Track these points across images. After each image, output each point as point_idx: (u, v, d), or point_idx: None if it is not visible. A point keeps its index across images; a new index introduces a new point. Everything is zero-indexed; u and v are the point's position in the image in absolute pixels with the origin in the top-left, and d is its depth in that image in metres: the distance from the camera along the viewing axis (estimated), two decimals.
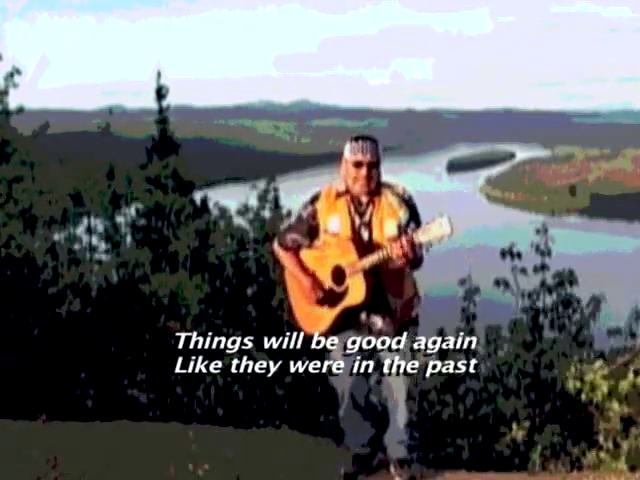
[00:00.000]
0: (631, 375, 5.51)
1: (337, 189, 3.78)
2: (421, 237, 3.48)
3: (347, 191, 3.74)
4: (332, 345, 3.90)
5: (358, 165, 3.66)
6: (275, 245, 3.99)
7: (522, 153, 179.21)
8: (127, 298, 7.97)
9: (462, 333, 7.46)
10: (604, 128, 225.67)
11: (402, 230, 3.66)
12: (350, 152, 3.69)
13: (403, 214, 3.70)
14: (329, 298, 3.77)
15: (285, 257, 3.91)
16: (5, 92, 8.29)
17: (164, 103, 10.30)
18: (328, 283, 3.78)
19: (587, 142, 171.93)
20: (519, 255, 7.14)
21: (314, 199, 3.82)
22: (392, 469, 3.95)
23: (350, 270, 3.66)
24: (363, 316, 3.77)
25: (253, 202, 9.88)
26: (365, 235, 3.72)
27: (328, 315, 3.78)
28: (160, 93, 10.28)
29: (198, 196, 10.58)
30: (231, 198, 11.61)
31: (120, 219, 10.04)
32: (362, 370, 3.88)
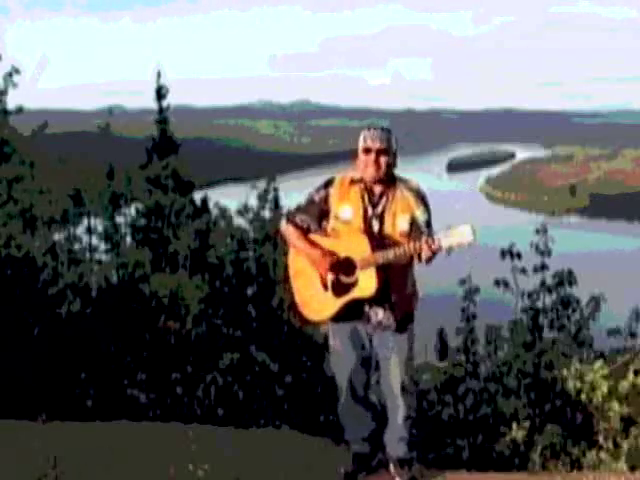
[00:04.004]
0: (631, 375, 5.51)
1: (352, 176, 3.79)
2: (443, 242, 3.51)
3: (361, 179, 3.76)
4: (334, 336, 3.90)
5: (367, 151, 3.71)
6: (283, 223, 3.93)
7: (522, 153, 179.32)
8: (127, 298, 7.97)
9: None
10: (604, 128, 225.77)
11: (418, 228, 3.68)
12: (362, 140, 3.76)
13: (421, 214, 3.72)
14: (335, 288, 3.76)
15: (294, 234, 3.86)
16: (4, 92, 8.29)
17: (164, 103, 10.32)
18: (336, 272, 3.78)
19: (587, 142, 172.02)
20: (519, 255, 7.15)
21: (328, 183, 3.82)
22: (392, 469, 3.95)
23: (362, 263, 3.66)
24: (365, 307, 3.78)
25: (253, 202, 9.89)
26: (376, 227, 3.72)
27: (332, 303, 3.77)
28: (160, 93, 10.29)
29: (198, 196, 10.59)
30: (231, 198, 11.62)
31: (120, 219, 10.05)
32: (361, 360, 3.88)
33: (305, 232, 3.86)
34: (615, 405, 5.37)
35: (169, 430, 4.76)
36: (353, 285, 3.71)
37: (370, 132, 3.74)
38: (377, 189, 3.75)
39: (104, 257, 9.64)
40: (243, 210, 9.78)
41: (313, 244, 3.83)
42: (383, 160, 3.70)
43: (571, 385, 5.71)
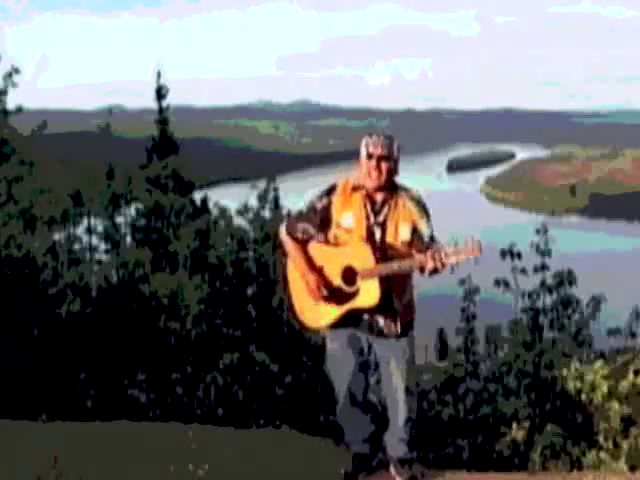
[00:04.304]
0: (631, 375, 5.52)
1: (354, 182, 3.78)
2: (450, 259, 3.49)
3: (363, 185, 3.75)
4: (332, 341, 3.90)
5: (369, 157, 3.69)
6: (283, 232, 3.88)
7: (522, 153, 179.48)
8: (127, 298, 7.97)
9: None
10: (604, 128, 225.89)
11: (421, 239, 3.66)
12: (363, 146, 3.74)
13: (426, 227, 3.69)
14: (335, 296, 3.75)
15: (293, 248, 3.83)
16: (4, 92, 8.29)
17: (164, 103, 10.31)
18: (337, 281, 3.76)
19: (587, 142, 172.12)
20: (519, 255, 7.14)
21: (330, 191, 3.79)
22: (392, 469, 3.95)
23: (365, 274, 3.65)
24: (365, 315, 3.77)
25: (253, 202, 9.89)
26: (377, 235, 3.69)
27: (332, 312, 3.77)
28: (160, 93, 10.29)
29: (198, 196, 10.58)
30: (231, 198, 11.62)
31: (120, 219, 10.04)
32: (359, 365, 3.88)
33: (306, 244, 3.85)
34: (615, 405, 5.38)
35: (169, 430, 4.75)
36: (354, 294, 3.70)
37: (372, 138, 3.71)
38: (379, 197, 3.73)
39: (104, 257, 9.64)
40: (243, 210, 9.78)
41: (312, 266, 3.79)
42: (385, 166, 3.68)
43: (571, 385, 5.71)
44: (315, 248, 3.83)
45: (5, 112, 8.40)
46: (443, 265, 3.51)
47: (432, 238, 3.68)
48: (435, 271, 3.56)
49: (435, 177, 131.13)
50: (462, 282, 7.63)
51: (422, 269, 3.57)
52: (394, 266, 3.59)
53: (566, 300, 7.29)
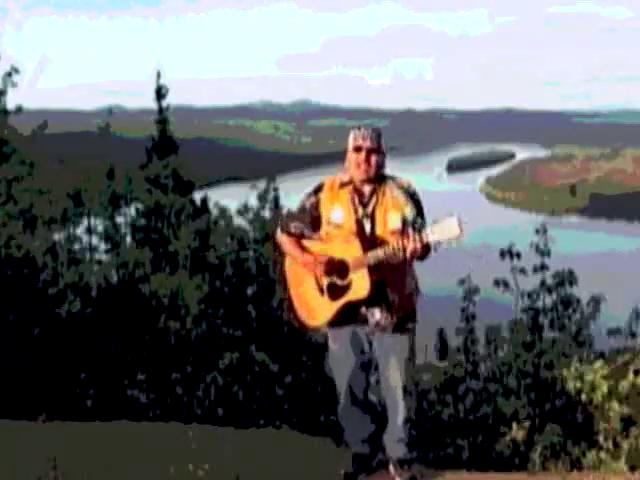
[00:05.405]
0: (631, 375, 5.52)
1: (341, 179, 3.79)
2: (430, 238, 3.50)
3: (350, 181, 3.76)
4: (333, 340, 3.90)
5: (358, 149, 3.70)
6: (277, 233, 3.96)
7: (522, 153, 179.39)
8: (127, 298, 7.97)
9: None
10: (604, 128, 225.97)
11: (408, 225, 3.66)
12: (352, 139, 3.75)
13: (410, 211, 3.70)
14: (331, 291, 3.76)
15: (288, 242, 3.88)
16: (4, 92, 8.29)
17: (164, 103, 10.31)
18: (331, 277, 3.77)
19: (587, 142, 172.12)
20: (519, 255, 7.14)
21: (317, 189, 3.83)
22: (392, 469, 3.95)
23: (355, 264, 3.66)
24: (362, 309, 3.78)
25: (253, 202, 9.89)
26: (367, 227, 3.71)
27: (329, 307, 3.78)
28: (160, 93, 10.28)
29: (198, 196, 10.58)
30: (231, 198, 11.63)
31: (120, 219, 10.05)
32: (360, 365, 3.89)
33: (299, 238, 3.87)
34: (615, 405, 5.38)
35: (169, 430, 4.76)
36: (347, 288, 3.71)
37: (361, 131, 3.73)
38: (366, 189, 3.74)
39: (104, 257, 9.64)
40: (243, 210, 9.79)
41: (306, 250, 3.84)
42: (374, 159, 3.70)
43: (571, 385, 5.72)
44: (308, 246, 3.85)
45: (5, 112, 8.39)
46: (425, 246, 3.51)
47: (415, 222, 3.67)
48: (420, 254, 3.55)
49: (435, 177, 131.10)
50: (462, 282, 7.63)
51: (409, 252, 3.54)
52: (379, 252, 3.60)
53: (566, 300, 7.29)
